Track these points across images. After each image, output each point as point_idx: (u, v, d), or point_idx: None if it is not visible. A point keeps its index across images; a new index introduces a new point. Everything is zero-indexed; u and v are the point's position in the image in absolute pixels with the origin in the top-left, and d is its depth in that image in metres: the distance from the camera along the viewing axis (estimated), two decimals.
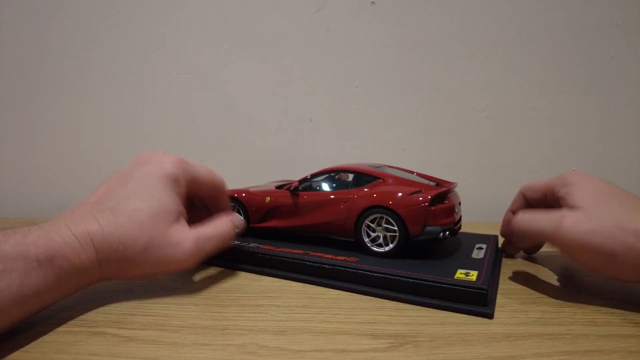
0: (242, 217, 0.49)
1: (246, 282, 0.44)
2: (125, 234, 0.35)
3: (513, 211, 0.50)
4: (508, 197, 0.83)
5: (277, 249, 0.47)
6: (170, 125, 0.83)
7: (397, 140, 0.80)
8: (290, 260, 0.45)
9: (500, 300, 0.39)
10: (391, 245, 0.45)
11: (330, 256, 0.44)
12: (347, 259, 0.44)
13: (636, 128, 0.77)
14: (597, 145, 0.78)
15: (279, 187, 0.55)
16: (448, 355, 0.29)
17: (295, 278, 0.44)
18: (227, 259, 0.48)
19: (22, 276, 0.29)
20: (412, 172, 0.53)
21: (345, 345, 0.31)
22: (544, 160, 0.79)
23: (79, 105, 0.83)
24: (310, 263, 0.43)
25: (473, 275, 0.39)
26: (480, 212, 0.71)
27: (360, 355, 0.29)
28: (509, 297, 0.39)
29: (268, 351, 0.30)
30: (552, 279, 0.45)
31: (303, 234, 0.51)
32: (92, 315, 0.35)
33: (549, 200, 0.45)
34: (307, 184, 0.51)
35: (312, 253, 0.45)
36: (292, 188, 0.51)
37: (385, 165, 0.53)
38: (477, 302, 0.36)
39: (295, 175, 0.81)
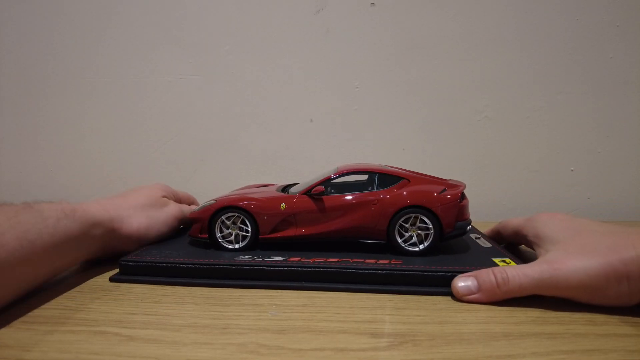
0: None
1: None
2: (128, 198, 0.51)
3: (492, 236, 0.55)
4: (507, 197, 0.83)
5: (311, 260, 0.43)
6: (170, 126, 0.83)
7: (397, 140, 0.80)
8: (336, 270, 0.41)
9: None
10: (425, 244, 0.45)
11: (372, 261, 0.43)
12: (392, 261, 0.42)
13: (634, 128, 0.77)
14: (595, 145, 0.78)
15: (283, 191, 0.52)
16: (447, 354, 0.29)
17: (344, 289, 0.41)
18: (258, 278, 0.42)
19: (55, 222, 0.39)
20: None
21: (345, 344, 0.31)
22: (543, 160, 0.79)
23: (79, 106, 0.84)
24: (361, 270, 0.41)
25: (510, 262, 0.42)
26: (480, 212, 0.71)
27: (360, 354, 0.29)
28: None
29: (268, 350, 0.30)
30: None
31: (326, 240, 0.47)
32: (93, 314, 0.35)
33: (519, 238, 0.48)
34: (329, 187, 0.49)
35: (352, 260, 0.43)
36: (317, 192, 0.47)
37: (387, 165, 0.53)
38: None
39: (294, 176, 0.81)
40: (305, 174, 0.80)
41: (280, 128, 0.82)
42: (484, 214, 0.76)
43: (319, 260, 0.43)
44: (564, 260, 0.36)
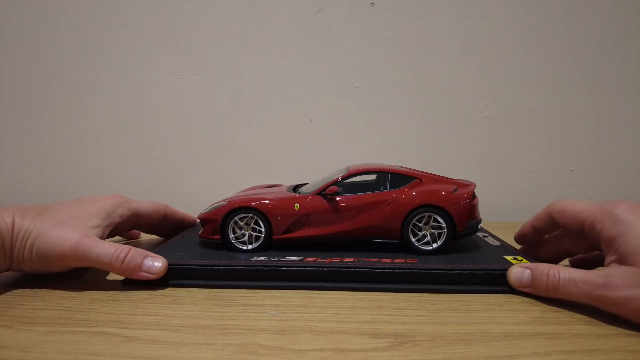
0: (159, 264, 0.41)
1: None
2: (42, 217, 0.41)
3: (535, 227, 0.45)
4: (508, 197, 0.83)
5: (327, 260, 0.43)
6: (170, 125, 0.83)
7: (397, 140, 0.80)
8: (354, 270, 0.41)
9: (499, 299, 0.39)
10: (439, 243, 0.46)
11: (388, 260, 0.43)
12: (408, 260, 0.43)
13: (635, 128, 0.77)
14: (595, 146, 0.78)
15: (293, 191, 0.52)
16: (447, 355, 0.29)
17: (363, 288, 0.41)
18: (275, 279, 0.42)
19: None
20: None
21: (345, 344, 0.31)
22: (543, 160, 0.79)
23: (79, 106, 0.84)
24: (379, 270, 0.41)
25: (523, 259, 0.42)
26: (480, 212, 0.71)
27: (360, 354, 0.29)
28: (509, 296, 0.39)
29: (268, 350, 0.30)
30: None
31: (339, 240, 0.48)
32: (93, 315, 0.35)
33: (586, 232, 0.39)
34: (339, 187, 0.49)
35: (368, 260, 0.43)
36: (330, 192, 0.47)
37: (397, 165, 0.53)
38: None
39: (294, 176, 0.81)
40: (305, 174, 0.80)
41: (280, 128, 0.82)
42: (484, 214, 0.75)
43: (335, 260, 0.43)
44: (625, 287, 0.32)
